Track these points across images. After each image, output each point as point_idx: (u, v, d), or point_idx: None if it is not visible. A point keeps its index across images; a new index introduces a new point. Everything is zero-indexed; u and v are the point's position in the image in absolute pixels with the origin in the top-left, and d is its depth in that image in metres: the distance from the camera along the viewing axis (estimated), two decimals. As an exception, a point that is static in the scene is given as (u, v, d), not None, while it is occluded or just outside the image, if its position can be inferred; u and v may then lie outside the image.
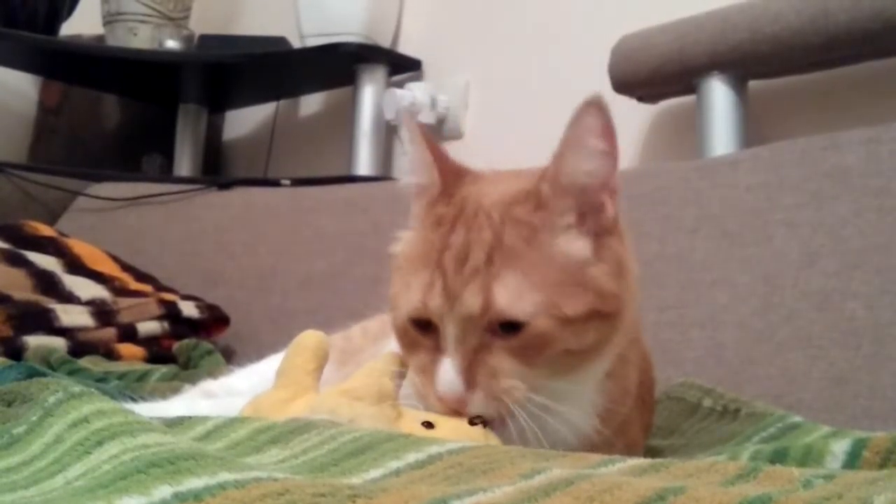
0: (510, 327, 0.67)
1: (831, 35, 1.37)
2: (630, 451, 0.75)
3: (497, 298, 0.66)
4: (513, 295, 0.66)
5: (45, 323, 1.48)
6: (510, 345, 0.67)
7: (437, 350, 0.69)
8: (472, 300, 0.66)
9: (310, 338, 0.74)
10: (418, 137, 0.74)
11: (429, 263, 0.69)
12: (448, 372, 0.67)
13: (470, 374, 0.67)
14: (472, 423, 0.68)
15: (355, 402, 0.67)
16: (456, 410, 0.68)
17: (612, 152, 0.69)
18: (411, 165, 0.76)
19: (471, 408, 0.67)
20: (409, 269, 0.72)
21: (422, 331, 0.70)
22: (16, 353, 1.37)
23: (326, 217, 1.85)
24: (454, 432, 0.65)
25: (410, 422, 0.67)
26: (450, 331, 0.68)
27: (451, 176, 0.75)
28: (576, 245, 0.69)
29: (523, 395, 0.67)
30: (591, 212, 0.70)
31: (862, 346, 1.09)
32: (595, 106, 0.67)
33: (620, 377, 0.75)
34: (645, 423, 0.86)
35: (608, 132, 0.68)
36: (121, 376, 1.29)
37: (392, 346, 0.76)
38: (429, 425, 0.66)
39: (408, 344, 0.72)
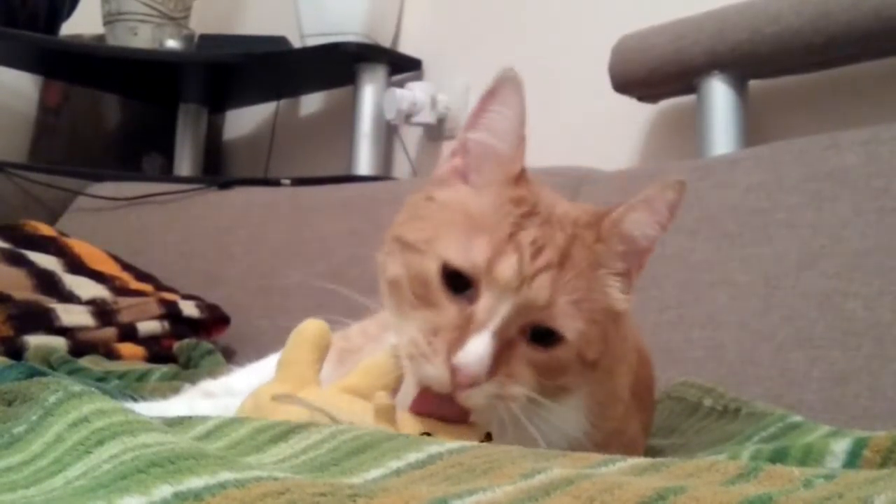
0: (545, 339, 0.67)
1: (831, 35, 1.37)
2: (629, 450, 0.75)
3: (557, 304, 0.67)
4: (570, 310, 0.67)
5: (45, 322, 1.48)
6: (533, 355, 0.67)
7: (465, 318, 0.66)
8: (542, 291, 0.66)
9: (311, 328, 0.73)
10: (519, 104, 0.72)
11: (499, 233, 0.67)
12: (483, 347, 0.64)
13: (496, 362, 0.65)
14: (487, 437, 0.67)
15: (357, 400, 0.67)
16: (452, 390, 0.65)
17: (666, 229, 0.71)
18: (492, 123, 0.72)
19: (475, 395, 0.65)
20: (467, 225, 0.69)
21: (451, 289, 0.67)
22: (16, 352, 1.37)
23: (326, 217, 1.84)
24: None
25: (407, 425, 0.67)
26: (502, 309, 0.65)
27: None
28: (618, 297, 0.71)
29: (523, 402, 0.67)
30: (626, 273, 0.72)
31: (862, 346, 1.09)
32: (682, 187, 0.70)
33: (603, 385, 0.75)
34: (645, 422, 0.86)
35: (676, 213, 0.71)
36: (121, 376, 1.29)
37: (391, 340, 0.72)
38: (427, 437, 0.66)
39: (421, 295, 0.68)
